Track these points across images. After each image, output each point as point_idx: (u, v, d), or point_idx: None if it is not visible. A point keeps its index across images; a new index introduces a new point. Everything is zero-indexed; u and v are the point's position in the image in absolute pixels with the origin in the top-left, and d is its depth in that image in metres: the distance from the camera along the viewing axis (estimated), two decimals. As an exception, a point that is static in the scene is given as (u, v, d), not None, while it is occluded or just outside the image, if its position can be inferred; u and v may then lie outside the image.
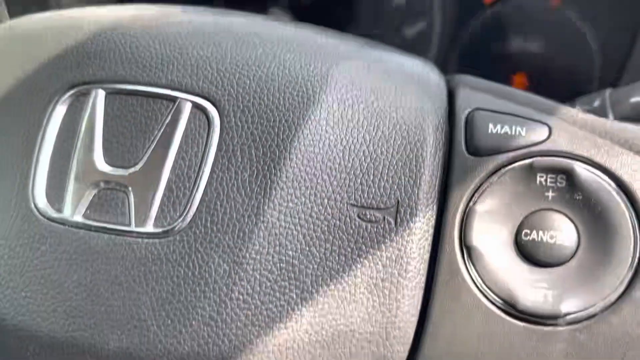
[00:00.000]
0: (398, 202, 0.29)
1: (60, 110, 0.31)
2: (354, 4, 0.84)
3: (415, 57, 0.35)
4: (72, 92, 0.31)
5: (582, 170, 0.28)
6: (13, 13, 0.71)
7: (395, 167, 0.29)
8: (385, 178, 0.29)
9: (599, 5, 0.75)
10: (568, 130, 0.30)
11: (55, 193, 0.30)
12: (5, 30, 0.36)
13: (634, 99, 0.43)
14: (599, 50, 0.77)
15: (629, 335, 0.26)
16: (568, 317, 0.26)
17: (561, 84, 0.78)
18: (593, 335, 0.26)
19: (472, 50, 0.80)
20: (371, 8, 0.83)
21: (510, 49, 0.80)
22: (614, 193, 0.28)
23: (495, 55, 0.80)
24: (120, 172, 0.30)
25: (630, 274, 0.26)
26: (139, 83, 0.31)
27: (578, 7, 0.77)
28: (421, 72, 0.33)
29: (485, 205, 0.29)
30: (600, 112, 0.44)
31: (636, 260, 0.26)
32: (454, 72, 0.82)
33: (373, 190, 0.29)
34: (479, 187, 0.29)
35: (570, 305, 0.26)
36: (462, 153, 0.30)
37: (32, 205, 0.30)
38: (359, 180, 0.29)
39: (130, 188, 0.29)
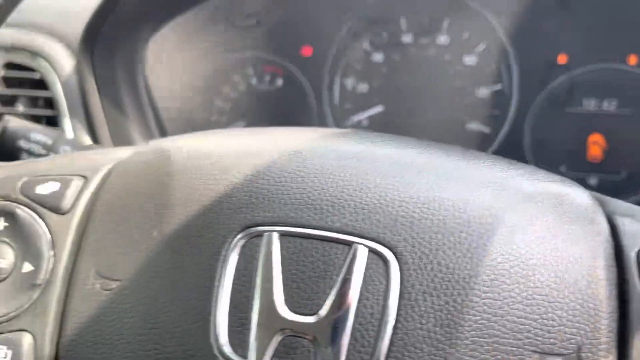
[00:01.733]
0: (579, 347, 0.29)
1: (234, 252, 0.32)
2: (422, 66, 0.85)
3: (569, 185, 0.35)
4: (245, 233, 0.32)
5: None
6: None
7: (574, 310, 0.30)
8: (565, 322, 0.30)
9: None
10: None
11: (238, 338, 0.31)
12: (179, 154, 0.37)
13: None
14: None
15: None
16: None
17: (638, 145, 0.78)
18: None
19: (548, 110, 0.81)
20: (441, 69, 0.84)
21: (586, 109, 0.80)
22: None
23: (571, 115, 0.80)
24: (303, 319, 0.30)
25: None
26: (312, 227, 0.32)
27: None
28: (580, 204, 0.34)
29: None
30: None
31: None
32: (531, 132, 0.83)
33: (553, 335, 0.29)
34: None
35: None
36: (638, 295, 0.30)
37: (216, 351, 0.31)
38: (538, 326, 0.29)
39: (315, 336, 0.30)
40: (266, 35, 0.90)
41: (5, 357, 0.36)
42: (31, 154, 0.56)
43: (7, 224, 0.38)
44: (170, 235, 0.34)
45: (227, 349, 0.31)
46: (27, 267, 0.37)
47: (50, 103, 0.80)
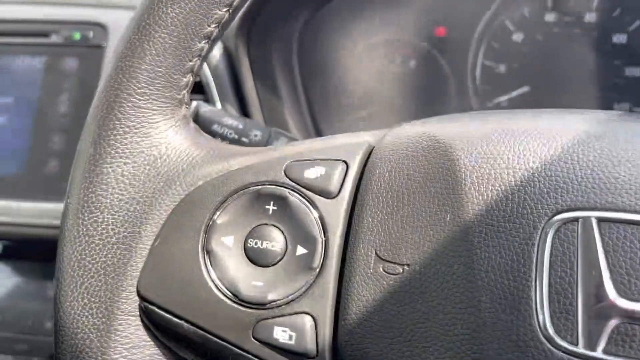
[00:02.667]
0: None
1: (548, 237, 0.32)
2: (565, 45, 0.83)
3: None
4: (558, 218, 0.32)
5: None
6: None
7: None
8: None
9: None
10: None
11: (563, 324, 0.31)
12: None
13: None
14: None
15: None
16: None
17: None
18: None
19: None
20: (586, 48, 0.82)
21: None
22: None
23: None
24: (637, 306, 0.30)
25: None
26: (635, 212, 0.31)
27: None
28: None
29: None
30: None
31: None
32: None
33: None
34: None
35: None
36: None
37: (542, 336, 0.31)
38: None
39: None
40: (398, 17, 0.88)
41: (290, 340, 0.36)
42: (224, 138, 0.57)
43: (275, 208, 0.38)
44: (469, 220, 0.34)
45: (554, 335, 0.31)
46: (301, 250, 0.38)
47: (199, 88, 0.81)
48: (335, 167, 0.39)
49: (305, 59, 0.78)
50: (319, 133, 0.81)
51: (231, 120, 0.58)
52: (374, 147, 0.40)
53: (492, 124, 0.38)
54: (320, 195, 0.38)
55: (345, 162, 0.39)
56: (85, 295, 0.38)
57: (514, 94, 0.84)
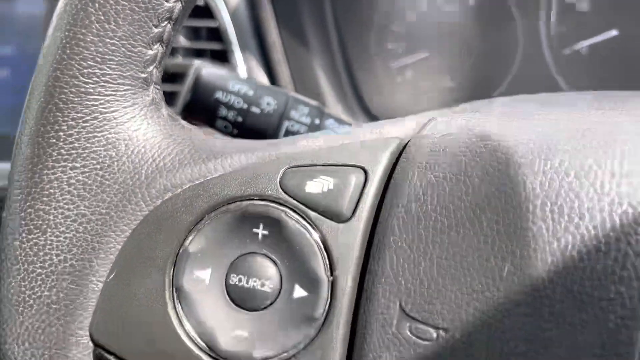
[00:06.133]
0: None
1: None
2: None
3: None
4: None
5: None
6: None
7: None
8: None
9: None
10: None
11: None
12: None
13: None
14: None
15: None
16: None
17: None
18: None
19: None
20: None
21: None
22: None
23: None
24: None
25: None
26: None
27: None
28: None
29: None
30: None
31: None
32: None
33: None
34: None
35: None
36: None
37: None
38: None
39: None
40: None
41: None
42: (230, 108, 0.47)
43: (266, 232, 0.28)
44: (537, 277, 0.23)
45: None
46: (299, 292, 0.28)
47: (215, 35, 0.70)
48: (348, 178, 0.28)
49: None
50: (355, 87, 0.69)
51: (239, 85, 0.47)
52: (406, 144, 0.29)
53: (578, 122, 0.26)
54: (327, 217, 0.28)
55: (363, 169, 0.28)
56: (25, 337, 0.30)
57: (599, 38, 0.69)
